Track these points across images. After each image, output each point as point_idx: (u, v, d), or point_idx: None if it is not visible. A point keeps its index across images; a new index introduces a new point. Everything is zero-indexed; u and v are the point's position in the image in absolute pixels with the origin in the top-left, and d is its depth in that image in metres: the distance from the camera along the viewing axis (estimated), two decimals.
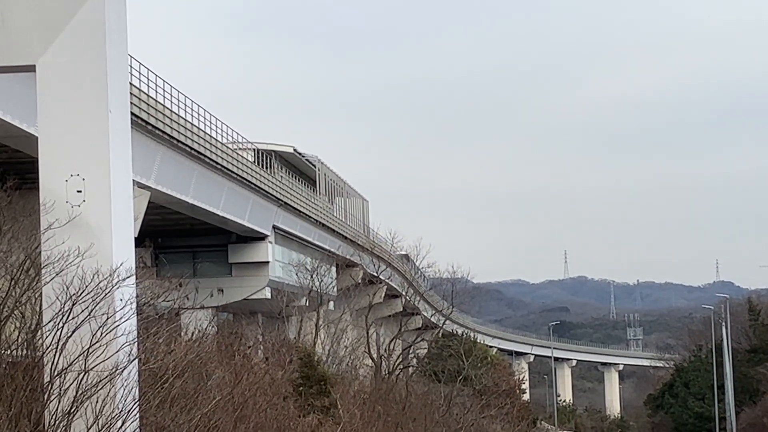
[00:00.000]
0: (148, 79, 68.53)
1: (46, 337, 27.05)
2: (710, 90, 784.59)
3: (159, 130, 68.27)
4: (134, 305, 28.56)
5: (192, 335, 53.19)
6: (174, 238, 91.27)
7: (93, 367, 26.41)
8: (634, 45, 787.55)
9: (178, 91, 74.25)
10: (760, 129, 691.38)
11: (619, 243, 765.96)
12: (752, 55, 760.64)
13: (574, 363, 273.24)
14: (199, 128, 76.91)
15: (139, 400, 27.50)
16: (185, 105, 75.54)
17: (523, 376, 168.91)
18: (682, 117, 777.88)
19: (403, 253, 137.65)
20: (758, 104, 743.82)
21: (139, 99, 64.28)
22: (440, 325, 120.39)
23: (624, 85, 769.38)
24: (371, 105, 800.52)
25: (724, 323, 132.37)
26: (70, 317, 26.67)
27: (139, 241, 61.55)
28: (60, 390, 26.20)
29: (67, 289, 26.89)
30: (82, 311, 26.74)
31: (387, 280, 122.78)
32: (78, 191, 28.12)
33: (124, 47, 29.99)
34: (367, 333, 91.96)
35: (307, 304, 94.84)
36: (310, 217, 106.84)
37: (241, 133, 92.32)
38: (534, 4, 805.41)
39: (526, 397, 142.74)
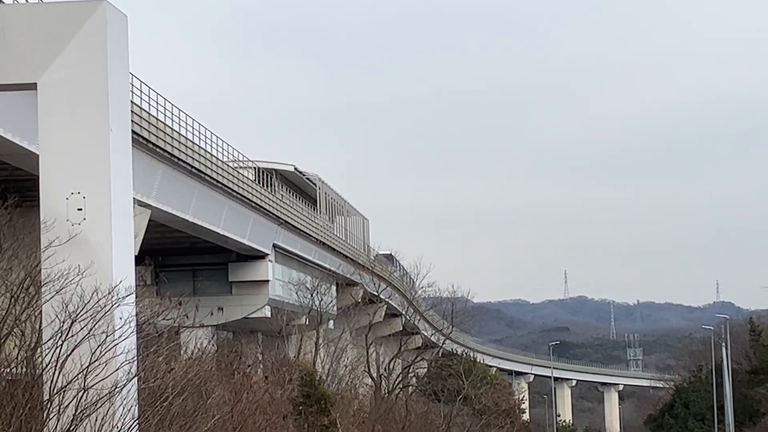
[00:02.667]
0: (149, 97, 68.55)
1: (46, 355, 27.05)
2: (711, 111, 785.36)
3: (159, 148, 68.26)
4: (134, 323, 28.57)
5: (192, 354, 53.20)
6: (174, 256, 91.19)
7: (92, 386, 26.40)
8: (636, 65, 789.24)
9: (179, 109, 74.33)
10: (760, 150, 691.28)
11: (619, 263, 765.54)
12: (753, 75, 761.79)
13: (574, 383, 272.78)
14: (199, 146, 76.89)
15: (138, 418, 27.48)
16: (186, 123, 75.60)
17: (523, 396, 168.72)
18: (683, 138, 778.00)
19: (387, 252, 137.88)
20: (758, 125, 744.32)
21: (140, 117, 64.27)
22: (440, 345, 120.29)
23: (624, 105, 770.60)
24: (372, 124, 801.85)
25: (724, 344, 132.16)
26: (70, 335, 26.68)
27: (139, 260, 61.38)
28: (59, 408, 26.19)
29: (67, 307, 26.90)
30: (82, 329, 26.75)
31: (387, 300, 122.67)
32: (78, 209, 28.16)
33: (125, 65, 30.05)
34: (367, 352, 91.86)
35: (307, 322, 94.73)
36: (310, 235, 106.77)
37: (241, 151, 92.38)
38: (536, 25, 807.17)
39: (525, 417, 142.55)
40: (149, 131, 66.30)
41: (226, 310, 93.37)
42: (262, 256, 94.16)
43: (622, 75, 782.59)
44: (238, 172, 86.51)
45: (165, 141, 69.04)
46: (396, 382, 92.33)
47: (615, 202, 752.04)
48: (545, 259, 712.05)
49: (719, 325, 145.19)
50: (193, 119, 77.35)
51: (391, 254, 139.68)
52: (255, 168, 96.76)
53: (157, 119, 68.52)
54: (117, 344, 27.20)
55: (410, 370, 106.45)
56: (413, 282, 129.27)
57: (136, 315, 29.93)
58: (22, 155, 52.77)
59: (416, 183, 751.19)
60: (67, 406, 26.24)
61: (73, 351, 26.65)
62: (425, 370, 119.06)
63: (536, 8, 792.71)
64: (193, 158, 74.27)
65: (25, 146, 51.89)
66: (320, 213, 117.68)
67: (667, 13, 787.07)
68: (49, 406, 26.24)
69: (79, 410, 26.23)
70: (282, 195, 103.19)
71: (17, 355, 28.75)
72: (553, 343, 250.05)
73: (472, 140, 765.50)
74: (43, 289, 28.11)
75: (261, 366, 67.70)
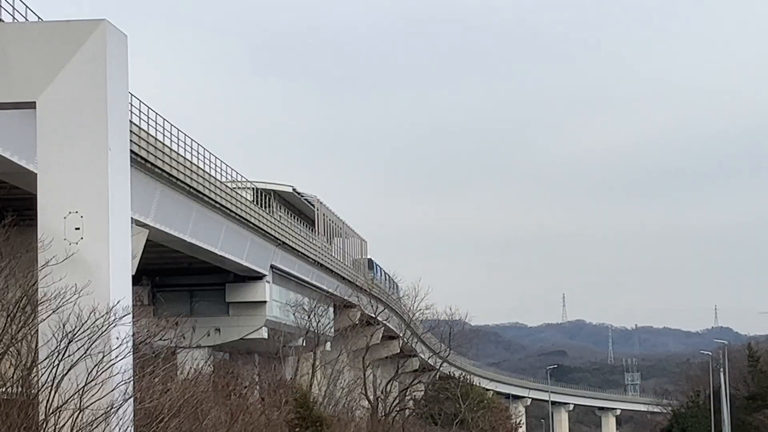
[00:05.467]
0: (148, 117, 68.51)
1: (42, 374, 26.93)
2: (709, 139, 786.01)
3: (158, 168, 68.23)
4: (130, 344, 28.47)
5: (188, 374, 53.03)
6: (171, 276, 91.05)
7: (88, 406, 26.30)
8: (636, 91, 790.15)
9: (178, 129, 74.28)
10: (758, 178, 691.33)
11: (617, 287, 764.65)
12: (748, 104, 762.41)
13: (571, 407, 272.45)
14: (198, 167, 76.85)
15: None
16: (185, 143, 75.54)
17: (520, 420, 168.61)
18: (682, 166, 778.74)
19: (368, 257, 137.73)
20: (755, 154, 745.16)
21: (139, 137, 64.24)
22: (437, 368, 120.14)
23: (622, 130, 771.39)
24: (370, 147, 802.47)
25: (722, 369, 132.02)
26: (66, 355, 26.58)
27: (136, 279, 61.24)
28: (55, 428, 26.09)
29: (64, 326, 26.80)
30: (78, 349, 26.65)
31: (385, 322, 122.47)
32: (76, 228, 28.09)
33: (125, 85, 30.02)
34: (364, 374, 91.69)
35: (304, 344, 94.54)
36: (308, 257, 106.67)
37: (240, 172, 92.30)
38: (539, 45, 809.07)
39: None
40: (148, 151, 66.27)
41: (223, 330, 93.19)
42: (259, 277, 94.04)
43: (621, 99, 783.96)
44: (237, 193, 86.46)
45: (164, 161, 69.01)
46: (393, 405, 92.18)
47: (614, 227, 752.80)
48: (543, 282, 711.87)
49: (717, 351, 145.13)
50: (192, 139, 77.37)
51: (371, 259, 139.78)
52: (253, 189, 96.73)
53: (156, 139, 68.50)
54: (113, 364, 27.10)
55: (407, 393, 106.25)
56: (397, 286, 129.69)
57: (133, 335, 29.84)
58: (20, 174, 52.70)
59: (414, 206, 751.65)
60: (62, 426, 26.13)
61: (69, 371, 26.55)
62: (422, 392, 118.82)
63: (543, 28, 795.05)
64: (191, 178, 74.24)
65: (23, 165, 51.84)
66: (318, 234, 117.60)
67: (669, 35, 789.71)
68: (44, 426, 26.12)
69: (74, 430, 26.11)
70: (280, 216, 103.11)
71: (13, 374, 28.64)
72: (551, 366, 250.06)
73: (471, 164, 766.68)
74: (39, 308, 28.01)
75: (257, 387, 67.51)
